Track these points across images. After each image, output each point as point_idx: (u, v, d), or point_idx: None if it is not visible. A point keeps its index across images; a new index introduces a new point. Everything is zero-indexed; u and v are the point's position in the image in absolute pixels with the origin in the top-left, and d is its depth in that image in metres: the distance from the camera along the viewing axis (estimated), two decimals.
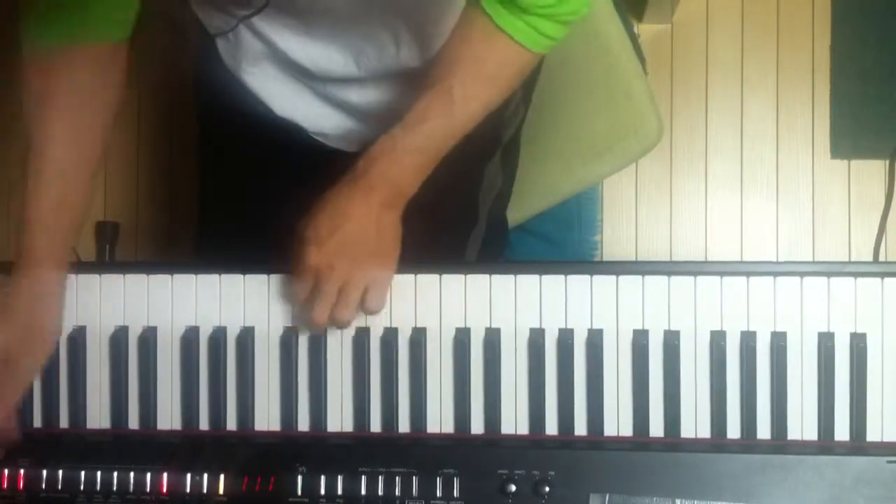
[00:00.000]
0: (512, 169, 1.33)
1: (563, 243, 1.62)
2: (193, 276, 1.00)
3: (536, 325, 0.96)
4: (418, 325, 0.97)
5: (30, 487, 0.96)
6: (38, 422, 1.00)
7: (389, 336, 0.97)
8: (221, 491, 0.94)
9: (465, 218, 1.25)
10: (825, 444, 0.93)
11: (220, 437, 0.98)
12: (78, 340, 1.00)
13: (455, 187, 1.23)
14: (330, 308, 0.93)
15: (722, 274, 0.95)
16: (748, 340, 0.94)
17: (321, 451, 0.95)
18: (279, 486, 0.93)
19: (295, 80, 1.12)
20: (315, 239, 0.92)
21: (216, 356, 0.99)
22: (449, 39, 0.96)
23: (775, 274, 0.94)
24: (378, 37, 1.04)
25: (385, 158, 0.93)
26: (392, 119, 1.15)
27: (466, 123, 0.96)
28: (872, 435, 0.93)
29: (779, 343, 0.93)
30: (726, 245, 1.90)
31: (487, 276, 0.97)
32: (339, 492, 0.93)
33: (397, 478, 0.92)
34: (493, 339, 0.96)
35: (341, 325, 0.95)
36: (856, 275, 0.94)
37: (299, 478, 0.93)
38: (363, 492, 0.93)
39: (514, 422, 0.96)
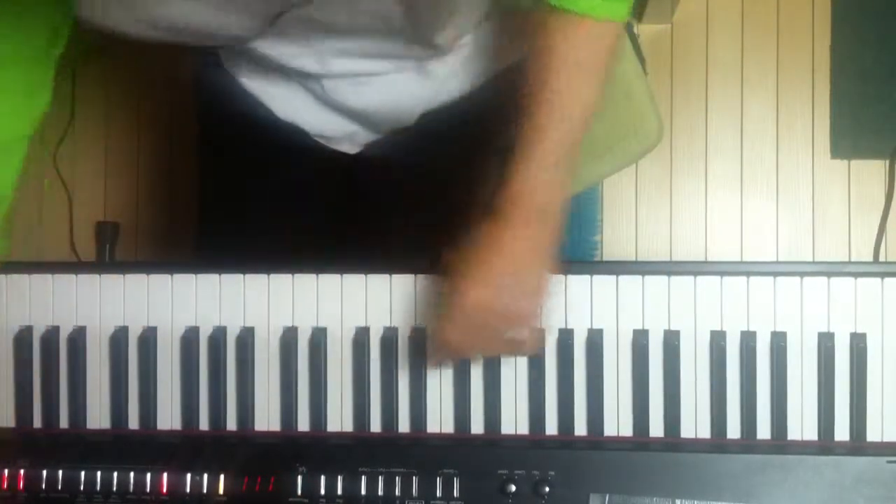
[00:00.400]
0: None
1: (563, 243, 1.62)
2: (193, 276, 1.00)
3: (536, 326, 0.96)
4: (418, 325, 0.97)
5: (30, 487, 0.96)
6: (38, 422, 1.00)
7: (389, 336, 0.97)
8: (221, 491, 0.94)
9: (459, 217, 1.25)
10: (825, 444, 0.93)
11: (220, 437, 0.98)
12: (78, 340, 1.00)
13: (451, 188, 1.24)
14: (484, 346, 0.92)
15: (722, 274, 0.95)
16: (748, 340, 0.94)
17: (321, 451, 0.95)
18: (279, 486, 0.93)
19: (296, 84, 1.12)
20: (474, 280, 0.89)
21: (216, 356, 0.99)
22: (528, 48, 0.94)
23: (775, 274, 0.94)
24: (377, 31, 1.03)
25: (527, 193, 0.91)
26: (392, 121, 1.16)
27: (585, 120, 0.93)
28: (872, 435, 0.93)
29: (779, 343, 0.93)
30: (726, 245, 1.90)
31: None
32: (339, 492, 0.93)
33: (397, 478, 0.92)
34: None
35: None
36: (856, 275, 0.94)
37: (299, 478, 0.93)
38: (363, 492, 0.93)
39: (514, 422, 0.96)
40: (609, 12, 0.91)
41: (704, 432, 0.94)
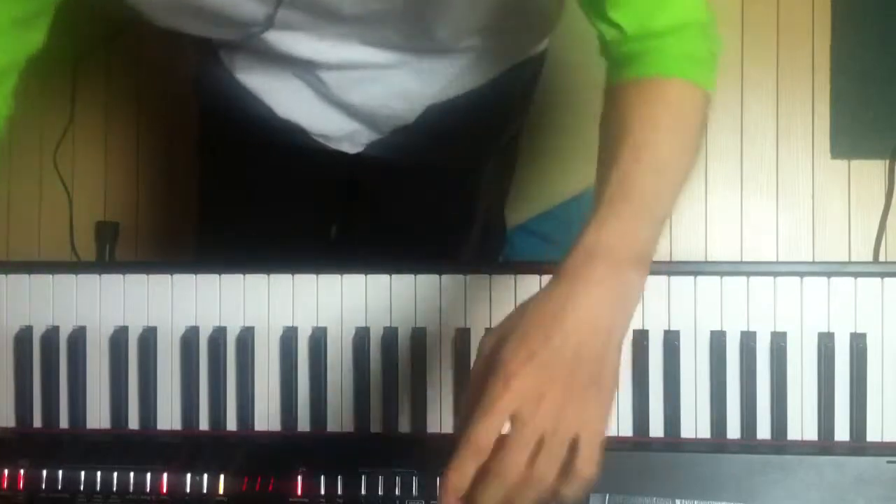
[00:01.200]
0: (509, 171, 1.33)
1: (563, 243, 1.62)
2: (193, 276, 1.00)
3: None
4: (418, 325, 0.97)
5: (30, 487, 0.96)
6: (38, 422, 1.00)
7: (389, 336, 0.97)
8: (221, 491, 0.94)
9: (459, 217, 1.26)
10: (825, 444, 0.93)
11: (220, 437, 0.98)
12: (78, 340, 1.00)
13: (451, 188, 1.24)
14: (528, 459, 0.66)
15: (722, 274, 0.95)
16: (748, 340, 0.94)
17: (321, 451, 0.95)
18: (279, 486, 0.93)
19: (296, 79, 1.12)
20: (515, 357, 0.64)
21: (216, 356, 0.99)
22: (609, 130, 0.82)
23: (775, 274, 0.94)
24: (381, 17, 1.02)
25: (604, 237, 0.75)
26: (393, 119, 1.16)
27: (680, 185, 0.77)
28: (872, 435, 0.93)
29: (779, 343, 0.93)
30: (726, 245, 1.90)
31: (487, 276, 0.97)
32: (339, 492, 0.93)
33: (397, 478, 0.92)
34: None
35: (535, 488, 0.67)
36: (856, 275, 0.94)
37: (299, 478, 0.93)
38: (363, 492, 0.92)
39: None
40: (697, 77, 0.80)
41: (704, 432, 0.94)
